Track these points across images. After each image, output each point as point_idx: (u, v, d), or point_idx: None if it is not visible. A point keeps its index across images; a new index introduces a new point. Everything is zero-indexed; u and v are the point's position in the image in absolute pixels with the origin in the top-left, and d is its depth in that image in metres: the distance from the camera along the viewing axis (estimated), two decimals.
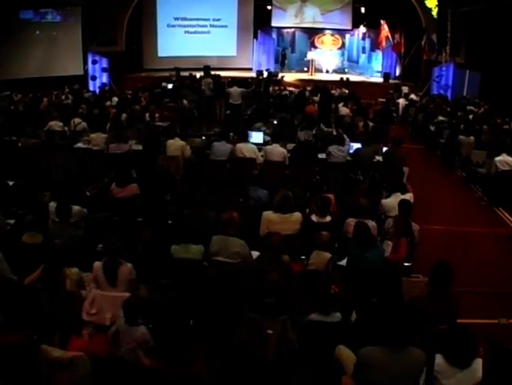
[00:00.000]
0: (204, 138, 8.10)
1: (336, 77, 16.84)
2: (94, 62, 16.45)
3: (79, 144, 8.22)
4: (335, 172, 6.64)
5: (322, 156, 7.25)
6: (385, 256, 4.05)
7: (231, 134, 8.04)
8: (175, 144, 7.28)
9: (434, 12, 16.06)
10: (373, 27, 18.99)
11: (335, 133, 7.94)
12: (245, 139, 7.21)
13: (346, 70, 20.04)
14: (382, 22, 17.60)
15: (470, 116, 10.92)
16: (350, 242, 4.16)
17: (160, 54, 19.17)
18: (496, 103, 11.97)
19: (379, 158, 7.34)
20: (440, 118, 10.78)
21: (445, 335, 2.84)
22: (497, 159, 7.44)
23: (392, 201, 4.89)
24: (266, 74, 15.94)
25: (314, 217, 4.52)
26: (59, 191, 5.21)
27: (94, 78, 16.50)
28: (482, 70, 13.63)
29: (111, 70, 16.71)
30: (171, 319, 3.36)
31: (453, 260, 5.55)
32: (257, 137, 7.77)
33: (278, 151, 6.85)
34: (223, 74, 17.38)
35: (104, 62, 16.73)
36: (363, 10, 18.66)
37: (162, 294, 3.71)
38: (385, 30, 17.57)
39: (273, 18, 19.45)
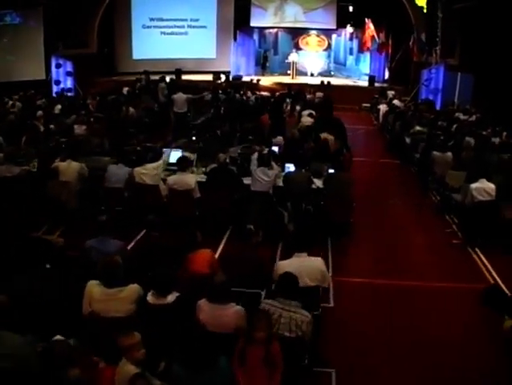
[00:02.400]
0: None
1: (321, 80, 15.44)
2: (58, 66, 15.45)
3: None
4: (257, 203, 5.15)
5: (248, 181, 5.73)
6: None
7: None
8: (68, 167, 5.90)
9: (425, 11, 14.52)
10: (361, 27, 17.55)
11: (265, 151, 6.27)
12: (143, 160, 5.69)
13: (332, 72, 18.71)
14: (367, 20, 16.00)
15: (454, 126, 9.26)
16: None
17: (135, 56, 18.15)
18: (490, 108, 10.41)
19: (319, 184, 5.75)
20: (418, 128, 9.10)
21: None
22: (474, 186, 5.78)
23: (289, 265, 3.30)
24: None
25: (149, 297, 3.04)
26: None
27: (58, 82, 15.52)
28: (476, 72, 12.10)
29: (80, 74, 15.70)
30: None
31: (392, 348, 3.75)
32: (176, 157, 6.29)
33: (184, 181, 5.37)
34: (200, 77, 16.30)
35: (69, 66, 15.74)
36: (351, 8, 17.22)
37: None
38: (370, 29, 16.00)
39: (252, 17, 18.14)
